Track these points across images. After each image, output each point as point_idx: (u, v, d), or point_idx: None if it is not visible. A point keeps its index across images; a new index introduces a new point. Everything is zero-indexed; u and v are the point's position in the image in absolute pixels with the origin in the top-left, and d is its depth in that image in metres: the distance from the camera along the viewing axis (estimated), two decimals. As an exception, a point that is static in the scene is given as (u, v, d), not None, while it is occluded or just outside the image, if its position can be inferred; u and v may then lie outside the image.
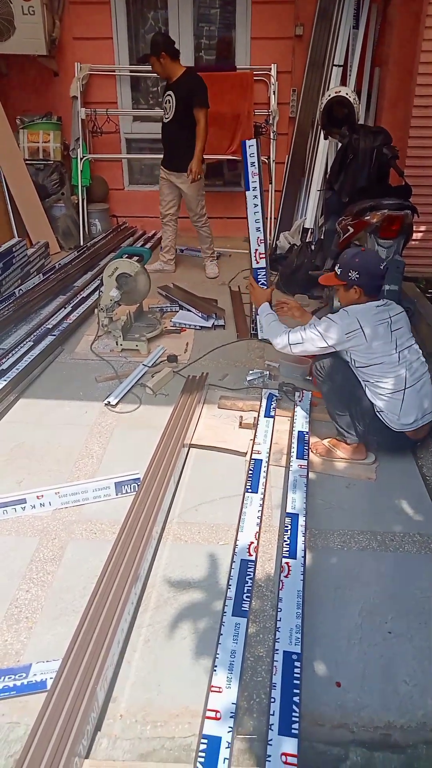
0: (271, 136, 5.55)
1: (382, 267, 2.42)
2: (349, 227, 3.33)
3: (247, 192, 2.62)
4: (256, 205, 2.61)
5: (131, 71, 5.64)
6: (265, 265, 2.70)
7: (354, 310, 2.34)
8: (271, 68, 5.38)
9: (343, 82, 4.85)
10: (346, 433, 2.47)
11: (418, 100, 4.33)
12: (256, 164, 2.56)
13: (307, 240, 4.77)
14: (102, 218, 5.91)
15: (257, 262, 2.68)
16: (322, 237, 4.21)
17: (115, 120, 5.74)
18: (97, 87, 5.68)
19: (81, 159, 5.58)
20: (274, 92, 5.43)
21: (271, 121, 5.51)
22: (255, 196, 2.60)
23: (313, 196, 4.92)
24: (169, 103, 4.30)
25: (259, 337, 2.52)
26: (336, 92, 3.70)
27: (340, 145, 3.80)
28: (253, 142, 2.58)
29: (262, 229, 2.63)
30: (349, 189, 3.54)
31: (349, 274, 2.34)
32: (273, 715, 1.37)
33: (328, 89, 4.48)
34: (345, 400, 2.44)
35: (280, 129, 5.57)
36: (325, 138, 4.31)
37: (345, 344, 2.32)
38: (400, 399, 2.32)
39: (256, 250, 2.67)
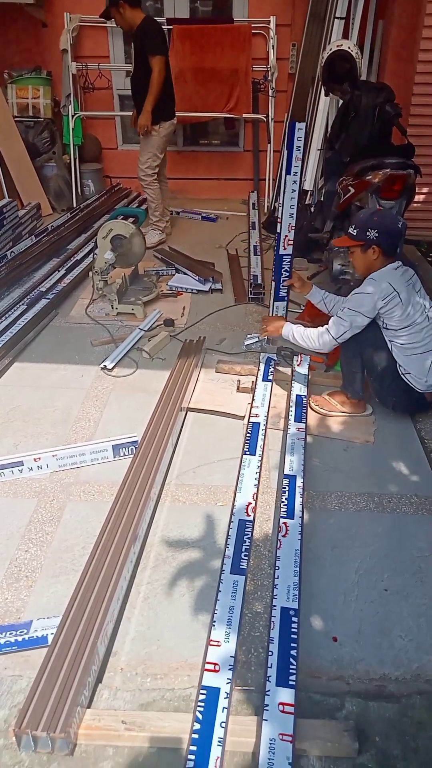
0: (270, 94, 5.38)
1: (400, 225, 2.35)
2: (350, 187, 3.26)
3: (287, 176, 2.51)
4: (294, 191, 2.48)
5: (124, 23, 5.41)
6: (291, 252, 2.61)
7: (381, 275, 2.27)
8: (269, 21, 5.17)
9: (345, 35, 4.65)
10: (353, 390, 2.46)
11: (422, 55, 4.19)
12: (302, 149, 2.46)
13: (306, 202, 4.67)
14: (95, 179, 5.77)
15: (284, 249, 2.57)
16: (322, 199, 4.12)
17: (107, 75, 5.54)
18: (88, 40, 5.46)
19: (72, 116, 5.40)
20: (273, 47, 5.24)
21: (269, 78, 5.34)
22: (294, 182, 2.50)
23: (313, 156, 4.79)
24: (132, 54, 4.14)
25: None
26: (338, 46, 3.55)
27: (341, 102, 3.69)
28: (303, 126, 2.46)
29: (295, 215, 2.52)
30: (350, 148, 3.44)
31: (367, 233, 2.26)
32: (271, 667, 1.40)
33: (329, 43, 4.32)
34: (366, 358, 2.38)
35: (278, 86, 5.39)
36: (326, 95, 4.16)
37: (380, 310, 2.26)
38: (430, 359, 2.29)
39: (286, 236, 2.56)
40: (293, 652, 1.44)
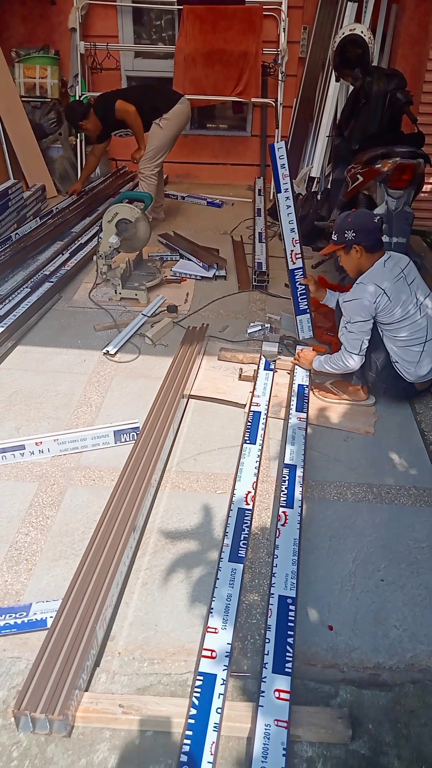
0: (279, 78, 5.30)
1: (375, 220, 2.42)
2: (358, 176, 3.22)
3: (278, 195, 2.58)
4: (288, 206, 2.56)
5: (133, 1, 5.32)
6: (301, 266, 2.64)
7: (367, 278, 2.33)
8: (281, 2, 5.07)
9: (358, 19, 4.57)
10: (355, 378, 2.49)
11: (435, 41, 4.11)
12: (286, 166, 2.50)
13: (312, 189, 4.62)
14: (101, 162, 5.70)
15: (293, 263, 2.62)
16: (329, 186, 4.07)
17: (115, 55, 5.47)
18: (97, 18, 5.37)
19: (80, 96, 5.33)
20: (284, 29, 5.15)
21: (279, 61, 5.26)
22: (287, 198, 2.57)
23: (321, 143, 4.73)
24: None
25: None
26: (350, 30, 3.50)
27: (351, 88, 3.63)
28: (282, 144, 2.53)
29: (296, 229, 2.56)
30: (359, 135, 3.40)
31: (345, 235, 2.34)
32: (267, 654, 1.42)
33: (341, 27, 4.24)
34: None
35: (288, 70, 5.31)
36: (337, 80, 4.11)
37: (376, 311, 2.31)
38: (420, 351, 2.32)
39: (292, 250, 2.61)
40: (290, 640, 1.46)
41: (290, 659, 1.41)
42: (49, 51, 5.40)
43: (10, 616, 1.56)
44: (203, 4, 5.17)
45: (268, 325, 3.09)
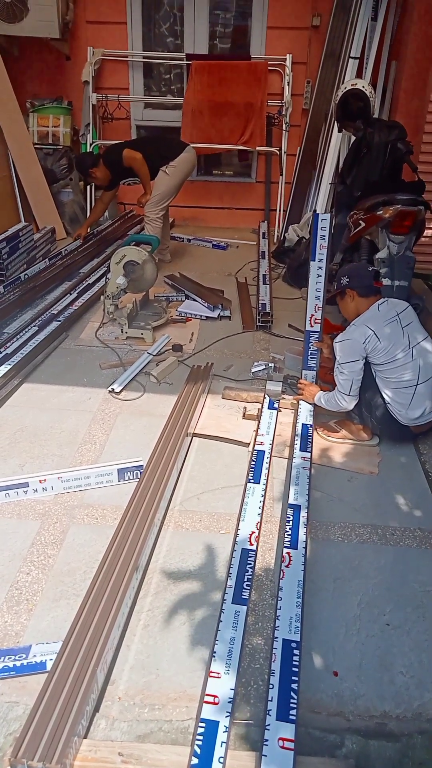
0: (284, 128, 5.52)
1: (369, 269, 2.57)
2: (360, 221, 3.32)
3: (311, 262, 2.74)
4: (319, 276, 2.74)
5: (144, 57, 5.60)
6: (318, 330, 2.80)
7: (360, 320, 2.43)
8: (286, 58, 5.33)
9: (359, 74, 4.80)
10: (354, 416, 2.54)
11: (433, 94, 4.28)
12: (326, 238, 2.67)
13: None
14: (110, 206, 5.88)
15: (311, 326, 2.79)
16: (332, 231, 4.18)
17: (126, 106, 5.70)
18: (109, 72, 5.64)
19: (91, 145, 5.55)
20: (288, 83, 5.39)
21: (284, 112, 5.48)
22: (320, 267, 2.73)
23: (324, 189, 4.89)
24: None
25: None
26: (352, 85, 3.66)
27: (353, 138, 3.77)
28: (327, 217, 2.68)
29: (321, 297, 2.72)
30: (361, 183, 3.52)
31: (341, 281, 2.53)
32: (271, 701, 1.38)
33: (343, 81, 4.45)
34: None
35: (292, 120, 5.53)
36: (339, 131, 4.28)
37: (366, 352, 2.38)
38: (411, 394, 2.35)
39: (312, 315, 2.78)
40: (294, 686, 1.42)
41: (294, 706, 1.37)
42: (62, 102, 5.65)
43: (9, 659, 1.53)
44: (211, 60, 5.44)
45: (272, 365, 3.13)
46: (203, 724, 1.32)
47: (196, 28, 5.45)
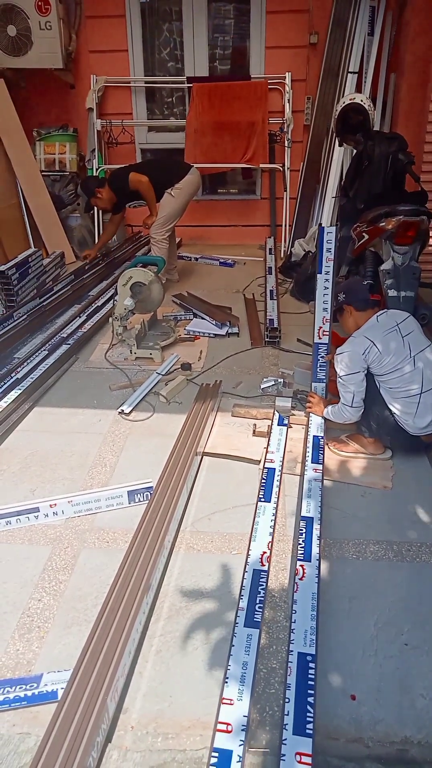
0: (286, 144, 5.56)
1: (364, 283, 2.64)
2: (364, 234, 3.31)
3: (318, 275, 2.78)
4: (326, 288, 2.78)
5: (146, 82, 5.71)
6: (327, 342, 2.83)
7: (360, 331, 2.45)
8: (285, 77, 5.40)
9: (358, 89, 4.83)
10: (364, 429, 2.50)
11: (433, 104, 4.30)
12: (332, 251, 2.72)
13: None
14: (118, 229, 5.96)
15: (319, 338, 2.83)
16: (337, 244, 4.18)
17: (130, 131, 5.81)
18: (113, 98, 5.75)
19: (97, 169, 5.65)
20: (288, 100, 5.45)
21: (285, 129, 5.53)
22: (326, 280, 2.78)
23: (328, 203, 4.90)
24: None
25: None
26: (351, 99, 3.69)
27: (355, 151, 3.79)
28: (332, 230, 2.74)
29: (329, 310, 2.76)
30: (364, 195, 3.52)
31: (338, 297, 2.60)
32: (288, 714, 1.36)
33: (342, 96, 4.48)
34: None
35: (294, 137, 5.58)
36: (340, 145, 4.30)
37: (367, 363, 2.37)
38: (416, 403, 2.32)
39: (320, 327, 2.82)
40: (310, 699, 1.40)
41: (311, 719, 1.35)
42: (68, 129, 5.77)
43: (20, 688, 1.51)
44: (211, 82, 5.53)
45: (282, 380, 3.11)
46: (216, 754, 1.29)
47: (195, 51, 5.55)
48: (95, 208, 5.69)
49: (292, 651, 1.53)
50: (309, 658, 1.51)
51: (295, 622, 1.62)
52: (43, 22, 5.06)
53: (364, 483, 2.37)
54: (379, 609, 1.79)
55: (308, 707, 1.39)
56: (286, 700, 1.41)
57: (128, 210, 6.07)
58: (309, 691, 1.42)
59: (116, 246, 5.72)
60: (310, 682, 1.44)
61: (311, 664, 1.49)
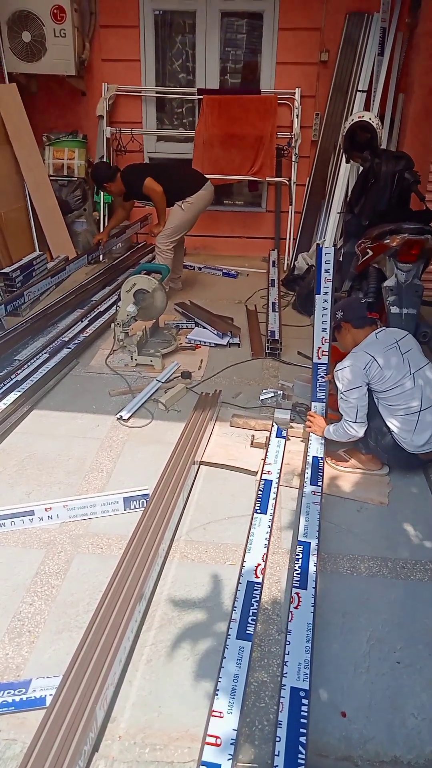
0: (293, 159, 5.61)
1: (362, 301, 2.67)
2: (368, 250, 3.33)
3: (317, 295, 2.80)
4: (325, 309, 2.80)
5: (157, 92, 5.76)
6: (326, 362, 2.83)
7: (359, 347, 2.46)
8: (295, 92, 5.45)
9: (367, 107, 4.89)
10: (364, 445, 2.49)
11: (440, 126, 4.35)
12: (331, 271, 2.74)
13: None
14: (123, 238, 5.98)
15: (318, 358, 2.83)
16: (341, 259, 4.21)
17: (139, 139, 5.84)
18: (123, 107, 5.79)
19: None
20: (297, 116, 5.49)
21: (293, 144, 5.57)
22: (325, 300, 2.80)
23: (333, 219, 4.94)
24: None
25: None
26: (359, 117, 3.73)
27: (361, 168, 3.82)
28: (331, 250, 2.77)
29: (328, 330, 2.79)
30: (369, 212, 3.55)
31: (336, 315, 2.64)
32: (278, 755, 1.31)
33: (351, 114, 4.53)
34: None
35: (302, 152, 5.62)
36: (347, 162, 4.33)
37: (368, 378, 2.37)
38: (415, 420, 2.32)
39: (319, 347, 2.83)
40: (302, 739, 1.35)
41: (303, 761, 1.30)
42: (77, 135, 5.81)
43: (8, 693, 1.50)
44: (222, 94, 5.58)
45: (281, 392, 3.12)
46: (204, 767, 1.27)
47: (207, 64, 5.61)
48: (102, 217, 5.75)
49: (284, 686, 1.47)
50: (302, 693, 1.45)
51: (288, 654, 1.57)
52: (57, 30, 5.11)
53: (361, 498, 2.37)
54: (372, 625, 1.78)
55: (300, 747, 1.32)
56: (277, 738, 1.35)
57: (132, 215, 6.11)
58: (301, 730, 1.36)
59: (119, 252, 5.73)
60: (302, 720, 1.39)
61: (304, 701, 1.43)
